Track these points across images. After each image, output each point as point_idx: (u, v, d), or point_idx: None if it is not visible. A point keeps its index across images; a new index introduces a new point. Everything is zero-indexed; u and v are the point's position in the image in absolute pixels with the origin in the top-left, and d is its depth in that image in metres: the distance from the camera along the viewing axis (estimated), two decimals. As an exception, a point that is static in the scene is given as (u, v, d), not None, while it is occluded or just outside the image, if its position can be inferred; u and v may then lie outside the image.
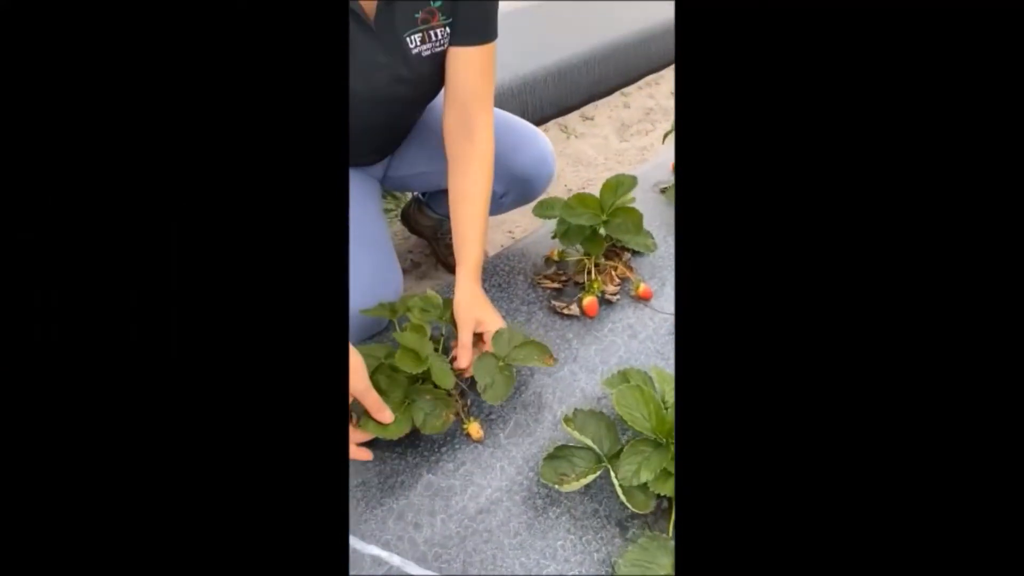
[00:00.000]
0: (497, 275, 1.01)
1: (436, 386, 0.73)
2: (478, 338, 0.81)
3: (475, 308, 0.82)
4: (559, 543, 0.67)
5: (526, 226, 1.56)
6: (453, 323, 0.82)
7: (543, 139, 1.04)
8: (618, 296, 0.95)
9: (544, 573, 0.65)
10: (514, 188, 1.05)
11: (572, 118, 2.05)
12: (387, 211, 1.53)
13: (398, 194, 1.60)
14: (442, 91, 0.89)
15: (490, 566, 0.65)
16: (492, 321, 0.82)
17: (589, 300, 0.91)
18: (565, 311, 0.93)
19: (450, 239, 1.42)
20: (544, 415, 0.79)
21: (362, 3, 0.76)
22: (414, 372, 0.71)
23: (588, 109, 2.10)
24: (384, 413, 0.70)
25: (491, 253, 1.22)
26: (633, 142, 1.94)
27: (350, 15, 0.75)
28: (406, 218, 1.40)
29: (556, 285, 0.99)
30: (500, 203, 1.07)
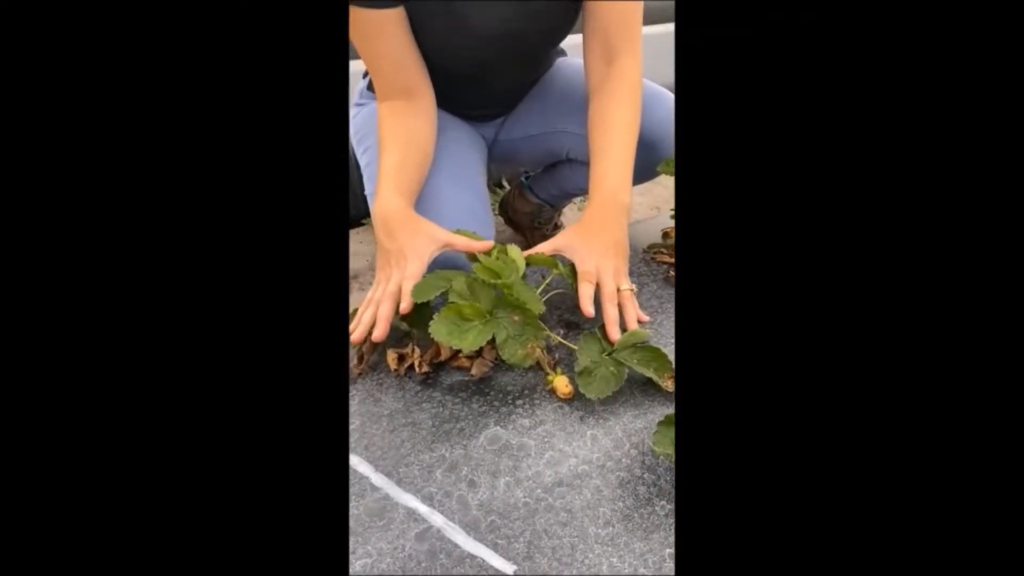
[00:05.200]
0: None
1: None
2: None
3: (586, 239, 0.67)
4: (668, 551, 0.46)
5: (640, 214, 1.38)
6: (573, 273, 0.66)
7: (669, 97, 0.90)
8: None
9: (644, 584, 0.44)
10: (636, 155, 0.91)
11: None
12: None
13: (498, 189, 1.52)
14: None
15: (566, 557, 0.45)
16: (606, 268, 0.66)
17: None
18: (687, 284, 0.75)
19: (547, 228, 1.31)
20: (656, 390, 0.60)
21: None
22: (492, 281, 0.55)
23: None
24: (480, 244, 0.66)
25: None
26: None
27: None
28: (504, 207, 1.29)
29: (674, 260, 0.81)
30: None
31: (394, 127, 0.76)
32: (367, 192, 0.87)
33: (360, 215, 1.43)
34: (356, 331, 0.62)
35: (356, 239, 1.44)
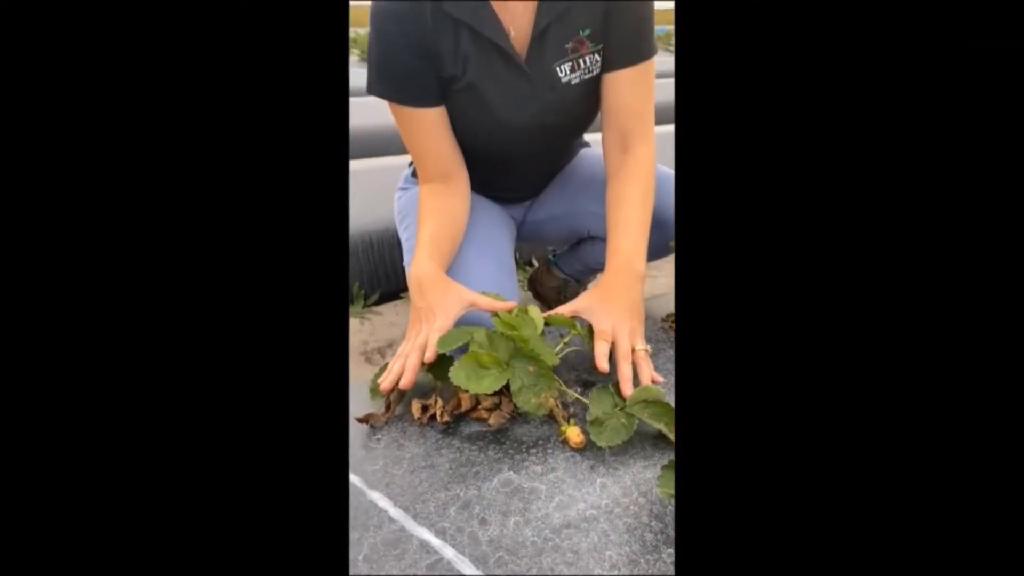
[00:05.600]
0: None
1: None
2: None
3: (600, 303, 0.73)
4: (672, 597, 0.47)
5: (660, 290, 1.42)
6: (591, 333, 0.71)
7: (673, 178, 0.98)
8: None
9: (647, 627, 0.44)
10: (650, 234, 0.97)
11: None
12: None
13: (527, 267, 1.60)
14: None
15: (570, 595, 0.46)
16: (620, 329, 0.71)
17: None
18: (701, 349, 0.78)
19: (573, 303, 1.36)
20: (667, 443, 0.62)
21: (513, 42, 0.80)
22: (509, 332, 0.61)
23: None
24: (504, 304, 0.72)
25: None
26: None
27: (498, 53, 0.79)
28: (532, 283, 1.36)
29: (692, 328, 0.85)
30: None
31: (432, 204, 0.86)
32: (405, 264, 0.95)
33: (400, 288, 1.53)
34: (385, 381, 0.67)
35: (394, 311, 1.52)
